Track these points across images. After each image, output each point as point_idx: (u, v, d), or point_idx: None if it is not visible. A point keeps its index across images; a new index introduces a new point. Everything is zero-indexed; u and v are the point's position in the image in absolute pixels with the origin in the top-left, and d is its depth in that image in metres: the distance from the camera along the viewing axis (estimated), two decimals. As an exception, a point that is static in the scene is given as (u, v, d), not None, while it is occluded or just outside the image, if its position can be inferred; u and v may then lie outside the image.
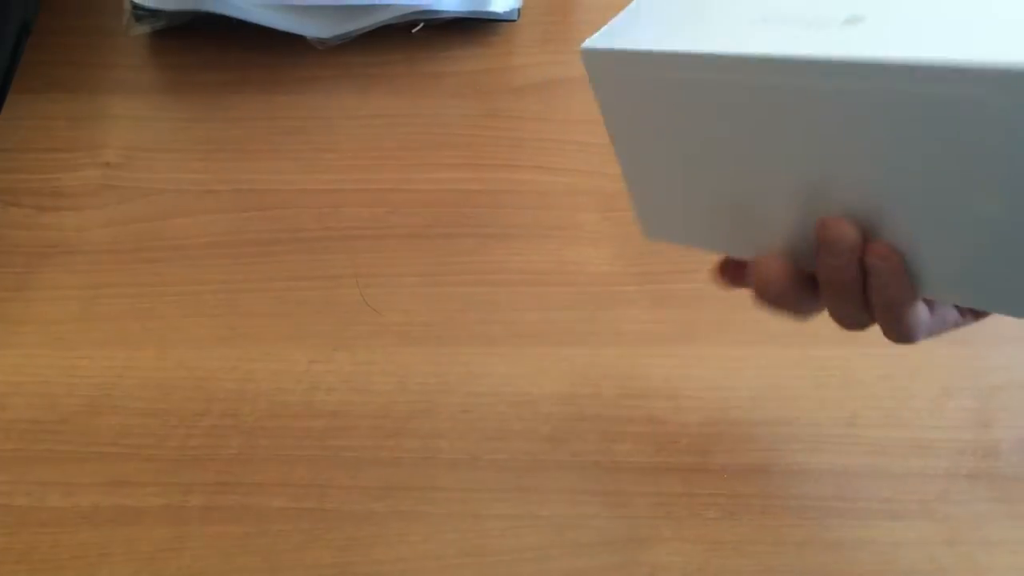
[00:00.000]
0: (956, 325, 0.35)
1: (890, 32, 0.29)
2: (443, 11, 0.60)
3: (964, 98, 0.27)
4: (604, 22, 0.66)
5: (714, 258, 0.38)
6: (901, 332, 0.33)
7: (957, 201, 0.29)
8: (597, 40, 0.33)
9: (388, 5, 0.59)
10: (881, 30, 0.29)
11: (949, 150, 0.28)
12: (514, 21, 0.62)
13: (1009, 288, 0.30)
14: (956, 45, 0.27)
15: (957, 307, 0.35)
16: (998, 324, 0.50)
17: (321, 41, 0.60)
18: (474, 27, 0.62)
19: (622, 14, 0.35)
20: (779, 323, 0.39)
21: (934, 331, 0.34)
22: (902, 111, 0.28)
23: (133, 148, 0.57)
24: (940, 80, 0.27)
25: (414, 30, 0.62)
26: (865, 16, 0.30)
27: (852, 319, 0.34)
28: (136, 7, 0.60)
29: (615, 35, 0.33)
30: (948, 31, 0.28)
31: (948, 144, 0.28)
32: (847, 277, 0.32)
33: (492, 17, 0.61)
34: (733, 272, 0.38)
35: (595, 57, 0.33)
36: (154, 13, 0.60)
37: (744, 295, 0.36)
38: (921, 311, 0.33)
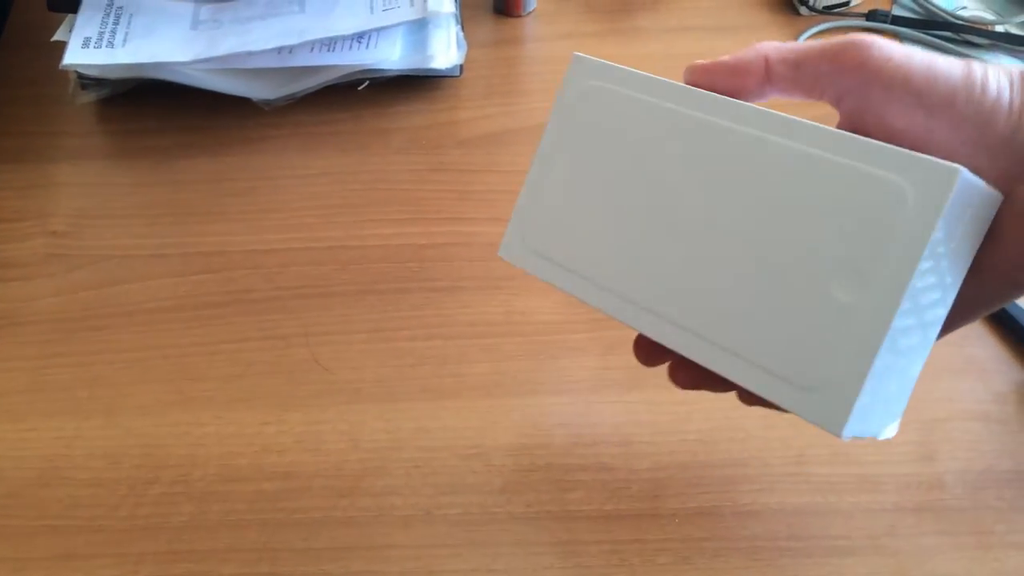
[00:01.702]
0: None
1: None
2: (387, 69, 0.61)
3: (888, 183, 0.30)
4: (546, 75, 0.67)
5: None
6: None
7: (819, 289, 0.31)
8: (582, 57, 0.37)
9: (333, 66, 0.60)
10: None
11: (843, 226, 0.31)
12: (457, 76, 0.63)
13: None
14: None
15: None
16: (937, 358, 0.51)
17: (267, 102, 0.61)
18: (418, 83, 0.64)
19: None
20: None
21: None
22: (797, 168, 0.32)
23: (81, 215, 0.58)
24: (856, 156, 0.31)
25: (359, 88, 0.62)
26: None
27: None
28: (81, 76, 0.60)
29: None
30: None
31: (846, 219, 0.31)
32: None
33: (435, 73, 0.62)
34: (648, 350, 0.39)
35: (583, 62, 0.37)
36: (99, 81, 0.61)
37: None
38: None
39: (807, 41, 0.35)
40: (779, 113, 0.33)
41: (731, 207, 0.33)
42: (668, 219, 0.34)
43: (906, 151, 0.30)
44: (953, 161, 0.30)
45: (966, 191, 0.30)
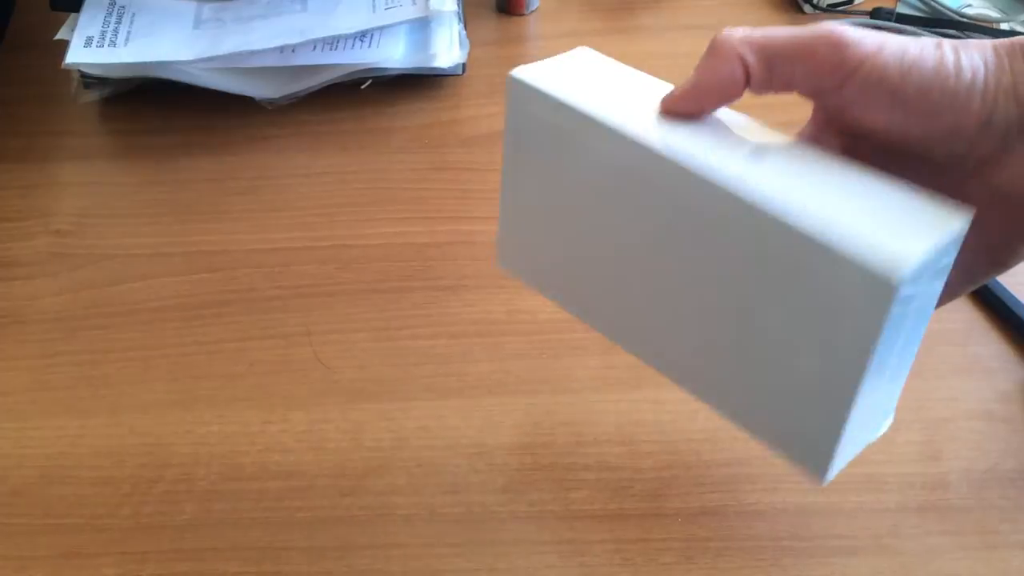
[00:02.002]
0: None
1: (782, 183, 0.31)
2: (390, 68, 0.61)
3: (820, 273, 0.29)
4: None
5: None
6: None
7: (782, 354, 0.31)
8: (525, 72, 0.35)
9: (335, 65, 0.60)
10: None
11: (785, 302, 0.30)
12: (459, 75, 0.63)
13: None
14: (829, 221, 0.29)
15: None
16: (941, 357, 0.51)
17: (269, 101, 0.61)
18: (421, 82, 0.64)
19: (565, 56, 0.36)
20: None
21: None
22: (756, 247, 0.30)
23: (83, 215, 0.58)
24: (793, 245, 0.29)
25: (362, 87, 0.63)
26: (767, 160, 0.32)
27: None
28: (84, 75, 0.60)
29: (545, 74, 0.35)
30: (833, 201, 0.30)
31: (786, 295, 0.30)
32: None
33: (438, 72, 0.62)
34: None
35: (518, 86, 0.35)
36: (102, 80, 0.61)
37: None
38: None
39: (779, 30, 0.33)
40: (721, 176, 0.31)
41: (677, 260, 0.32)
42: (620, 262, 0.34)
43: (853, 250, 0.28)
44: (932, 151, 0.30)
45: (926, 267, 0.28)
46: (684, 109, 0.34)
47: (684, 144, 0.32)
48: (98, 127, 0.62)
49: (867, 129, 0.33)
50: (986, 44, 0.32)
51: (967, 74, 0.31)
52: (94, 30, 0.60)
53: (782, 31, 0.33)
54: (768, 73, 0.33)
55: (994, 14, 0.68)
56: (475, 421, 0.49)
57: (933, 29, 0.67)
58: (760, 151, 0.33)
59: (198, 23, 0.60)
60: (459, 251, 0.56)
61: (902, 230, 0.29)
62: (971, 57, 0.32)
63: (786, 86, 0.34)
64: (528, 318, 0.53)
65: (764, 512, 0.45)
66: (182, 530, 0.45)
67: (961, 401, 0.49)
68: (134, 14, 0.61)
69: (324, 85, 0.61)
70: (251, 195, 0.58)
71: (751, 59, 0.33)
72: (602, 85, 0.35)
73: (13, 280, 0.55)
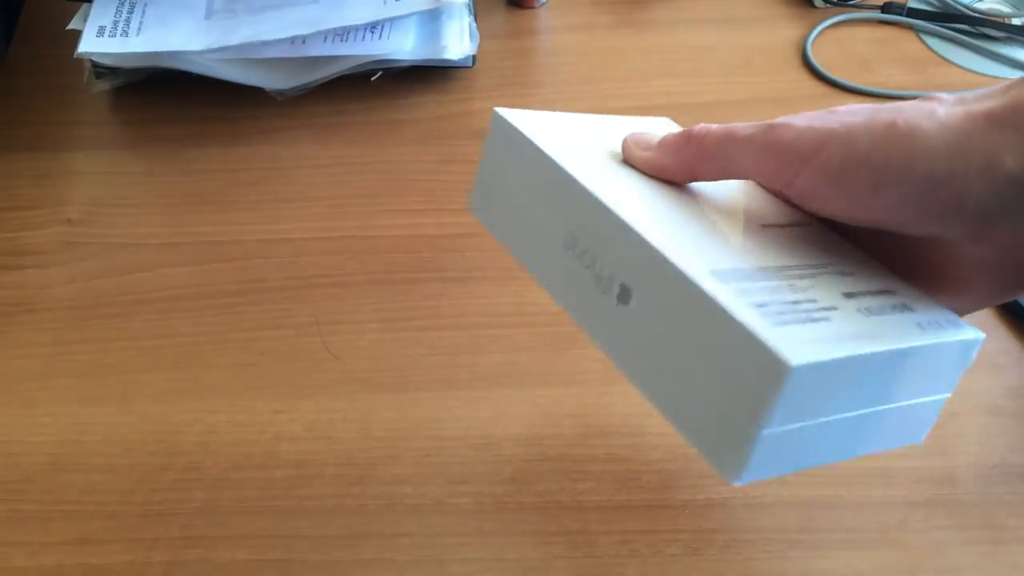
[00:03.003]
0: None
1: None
2: (400, 60, 0.61)
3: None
4: (559, 66, 0.68)
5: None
6: None
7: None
8: (509, 112, 0.39)
9: (346, 56, 0.60)
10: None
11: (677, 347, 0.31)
12: (470, 67, 0.63)
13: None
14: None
15: None
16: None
17: (280, 92, 0.61)
18: (431, 74, 0.64)
19: (537, 112, 0.40)
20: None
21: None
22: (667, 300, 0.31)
23: (95, 204, 0.58)
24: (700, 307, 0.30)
25: (372, 79, 0.63)
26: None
27: None
28: (96, 65, 0.61)
29: (527, 117, 0.38)
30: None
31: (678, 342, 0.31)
32: None
33: (448, 64, 0.62)
34: None
35: (499, 123, 0.38)
36: (114, 70, 0.61)
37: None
38: None
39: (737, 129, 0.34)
40: (659, 252, 0.32)
41: (606, 280, 0.34)
42: (566, 256, 0.36)
43: (757, 331, 0.28)
44: (904, 231, 0.31)
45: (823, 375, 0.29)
46: (641, 167, 0.37)
47: (628, 198, 0.34)
48: (110, 117, 0.62)
49: (832, 216, 0.33)
50: (952, 117, 0.29)
51: (922, 163, 0.29)
52: (106, 20, 0.60)
53: (738, 131, 0.33)
54: (719, 174, 0.35)
55: (1006, 9, 0.68)
56: (483, 412, 0.49)
57: (945, 24, 0.67)
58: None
59: (210, 13, 0.60)
60: (468, 243, 0.56)
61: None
62: (929, 140, 0.29)
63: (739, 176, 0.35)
64: (536, 310, 0.53)
65: (771, 505, 0.46)
66: (192, 517, 0.46)
67: (969, 396, 0.49)
68: (146, 4, 0.61)
69: (334, 76, 0.61)
70: (261, 186, 0.59)
71: (706, 167, 0.35)
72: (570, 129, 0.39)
73: (25, 268, 0.55)
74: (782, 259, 0.33)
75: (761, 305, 0.30)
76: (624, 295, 0.33)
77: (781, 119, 0.33)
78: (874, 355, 0.30)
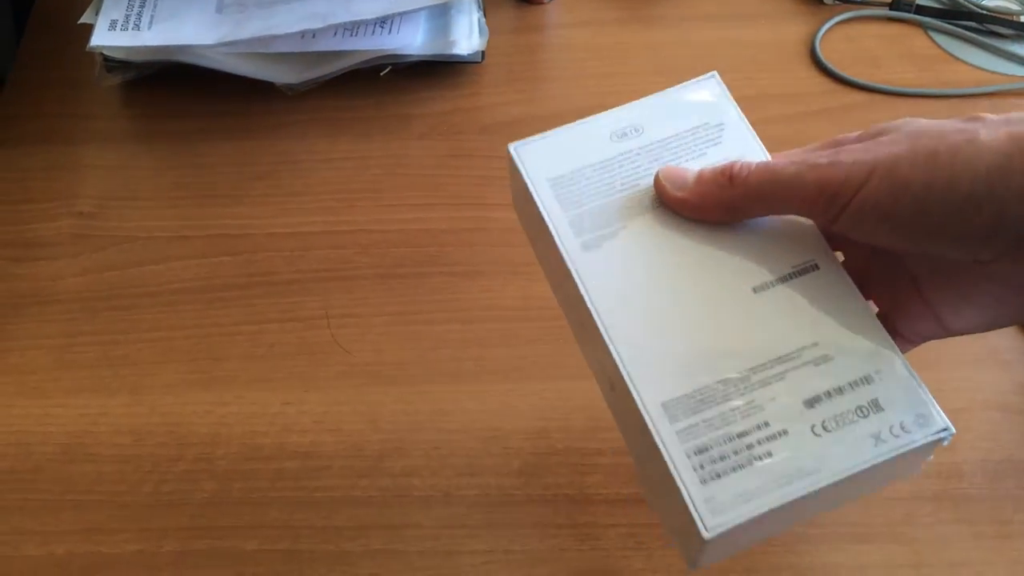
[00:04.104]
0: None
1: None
2: (409, 55, 0.61)
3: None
4: (567, 62, 0.67)
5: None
6: None
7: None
8: (522, 148, 0.39)
9: (355, 51, 0.61)
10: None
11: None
12: (478, 63, 0.64)
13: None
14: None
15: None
16: (958, 347, 0.51)
17: (290, 87, 0.61)
18: (440, 69, 0.64)
19: (563, 131, 0.39)
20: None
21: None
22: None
23: (106, 197, 0.58)
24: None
25: (382, 73, 0.63)
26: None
27: None
28: (107, 59, 0.61)
29: (537, 152, 0.38)
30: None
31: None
32: None
33: (457, 59, 0.62)
34: None
35: (512, 159, 0.39)
36: (125, 64, 0.61)
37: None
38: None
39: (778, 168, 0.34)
40: (622, 372, 0.33)
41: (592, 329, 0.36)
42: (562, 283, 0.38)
43: (684, 494, 0.31)
44: (943, 254, 0.32)
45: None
46: (676, 210, 0.36)
47: (612, 280, 0.35)
48: (121, 111, 0.63)
49: (874, 244, 0.33)
50: (995, 140, 0.29)
51: (964, 185, 0.29)
52: (118, 13, 0.60)
53: (781, 169, 0.33)
54: (762, 214, 0.35)
55: (1014, 6, 0.68)
56: (491, 405, 0.49)
57: (953, 21, 0.67)
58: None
59: (221, 7, 0.60)
60: (476, 238, 0.56)
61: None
62: (970, 163, 0.29)
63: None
64: (543, 304, 0.53)
65: (778, 499, 0.46)
66: (201, 508, 0.46)
67: (977, 392, 0.49)
68: (157, -1, 0.61)
69: (344, 71, 0.62)
70: (271, 179, 0.59)
71: (749, 209, 0.35)
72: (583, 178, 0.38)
73: (37, 260, 0.55)
74: (757, 351, 0.34)
75: (700, 451, 0.32)
76: (611, 384, 0.35)
77: (821, 152, 0.33)
78: (807, 495, 0.31)
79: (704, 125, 0.38)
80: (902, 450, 0.32)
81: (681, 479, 0.31)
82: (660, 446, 0.32)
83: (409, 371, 0.51)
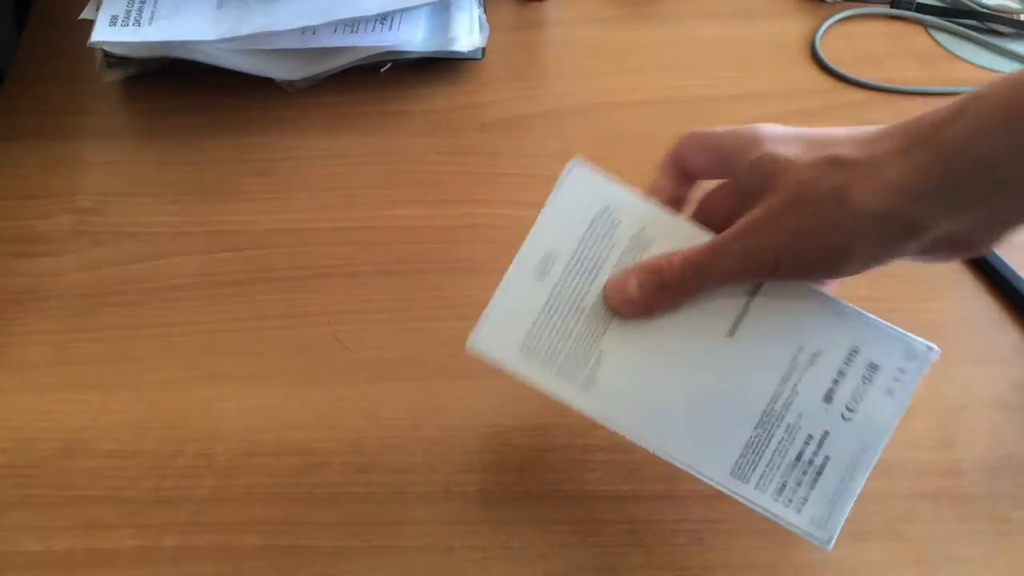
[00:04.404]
0: None
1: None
2: (410, 51, 0.61)
3: None
4: (568, 59, 0.67)
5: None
6: None
7: None
8: (478, 341, 0.42)
9: (355, 47, 0.61)
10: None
11: None
12: (479, 60, 0.64)
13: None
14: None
15: None
16: (959, 345, 0.51)
17: (290, 83, 0.61)
18: (440, 66, 0.64)
19: (495, 303, 0.42)
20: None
21: None
22: None
23: (106, 193, 0.58)
24: None
25: (382, 70, 0.63)
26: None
27: None
28: (108, 54, 0.61)
29: (491, 336, 0.41)
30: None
31: None
32: None
33: (458, 56, 0.62)
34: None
35: (480, 355, 0.41)
36: (125, 60, 0.61)
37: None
38: None
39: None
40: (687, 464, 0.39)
41: None
42: None
43: (793, 524, 0.39)
44: None
45: None
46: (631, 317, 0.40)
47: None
48: (121, 106, 0.63)
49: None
50: (864, 202, 0.34)
51: (843, 248, 0.35)
52: (119, 9, 0.60)
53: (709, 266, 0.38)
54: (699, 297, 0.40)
55: (1014, 5, 0.68)
56: (491, 402, 0.49)
57: (953, 20, 0.67)
58: None
59: (221, 3, 0.60)
60: (476, 234, 0.56)
61: None
62: (848, 229, 0.35)
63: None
64: (545, 301, 0.53)
65: (777, 496, 0.46)
66: (202, 503, 0.46)
67: (976, 389, 0.49)
68: (158, -6, 0.61)
69: (344, 67, 0.62)
70: (271, 176, 0.59)
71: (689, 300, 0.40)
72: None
73: (37, 256, 0.55)
74: (765, 383, 0.39)
75: (781, 489, 0.38)
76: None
77: (730, 235, 0.38)
78: (872, 465, 0.39)
79: (597, 216, 0.40)
80: (912, 387, 0.38)
81: (783, 519, 0.38)
82: (751, 504, 0.39)
83: (409, 367, 0.51)
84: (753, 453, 0.38)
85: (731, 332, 0.39)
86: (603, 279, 0.39)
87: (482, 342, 0.40)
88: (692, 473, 0.39)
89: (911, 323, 0.52)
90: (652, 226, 0.39)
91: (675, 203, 0.42)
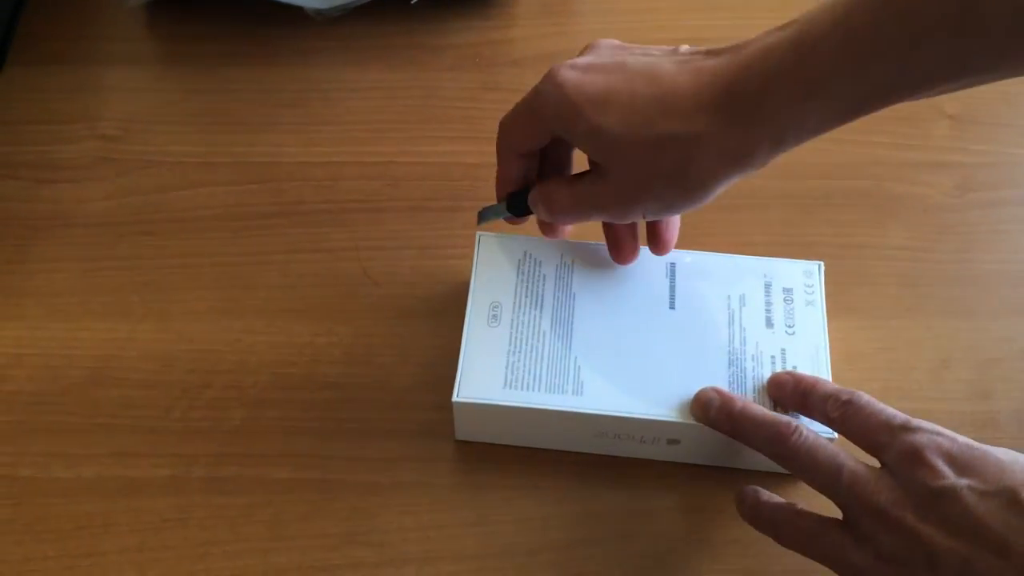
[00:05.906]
0: None
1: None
2: (442, -17, 0.60)
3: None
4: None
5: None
6: None
7: None
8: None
9: (386, -24, 0.59)
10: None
11: None
12: (512, -7, 0.62)
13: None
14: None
15: None
16: (997, 297, 0.51)
17: (318, 12, 0.60)
18: (472, 0, 0.62)
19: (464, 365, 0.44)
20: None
21: None
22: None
23: (130, 120, 0.57)
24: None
25: (412, 2, 0.61)
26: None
27: None
28: (132, -23, 0.59)
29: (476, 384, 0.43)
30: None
31: None
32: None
33: (491, -11, 0.61)
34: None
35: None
36: (150, -16, 0.60)
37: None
38: None
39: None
40: None
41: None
42: None
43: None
44: None
45: None
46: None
47: None
48: (145, 32, 0.61)
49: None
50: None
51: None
52: (142, -68, 0.58)
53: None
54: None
55: None
56: (522, 341, 0.49)
57: None
58: None
59: (249, -72, 0.59)
60: (508, 172, 0.55)
61: None
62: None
63: None
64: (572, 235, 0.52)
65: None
66: (231, 435, 0.46)
67: (1014, 341, 0.49)
68: (182, -83, 0.59)
69: (374, -2, 0.60)
70: (299, 107, 0.58)
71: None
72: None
73: (61, 183, 0.54)
74: (718, 330, 0.45)
75: (773, 407, 0.43)
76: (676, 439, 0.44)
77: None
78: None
79: (520, 262, 0.46)
80: (822, 294, 0.45)
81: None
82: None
83: (439, 305, 0.50)
84: (739, 388, 0.43)
85: (671, 305, 0.45)
86: (548, 304, 0.45)
87: (467, 392, 0.43)
88: (679, 426, 0.42)
89: (951, 274, 0.51)
90: (567, 254, 0.46)
91: (530, 181, 0.45)
